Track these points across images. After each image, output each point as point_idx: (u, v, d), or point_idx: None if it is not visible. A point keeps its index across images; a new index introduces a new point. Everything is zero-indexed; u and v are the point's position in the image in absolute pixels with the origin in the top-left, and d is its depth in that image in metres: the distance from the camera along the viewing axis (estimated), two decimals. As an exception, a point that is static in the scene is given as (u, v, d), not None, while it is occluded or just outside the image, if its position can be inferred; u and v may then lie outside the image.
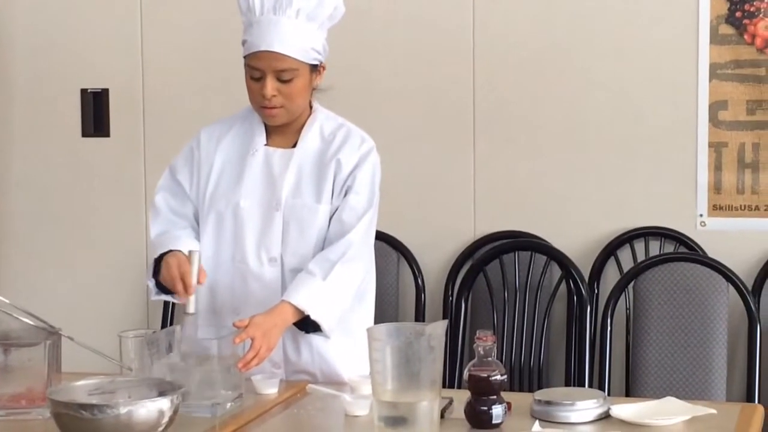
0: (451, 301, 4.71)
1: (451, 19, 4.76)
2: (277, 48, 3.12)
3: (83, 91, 5.08)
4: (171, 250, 3.17)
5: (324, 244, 3.22)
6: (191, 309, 3.03)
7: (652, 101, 4.62)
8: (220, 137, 3.32)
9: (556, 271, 4.60)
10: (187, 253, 3.12)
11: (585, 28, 4.66)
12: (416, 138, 4.81)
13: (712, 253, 4.48)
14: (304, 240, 3.22)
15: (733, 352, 4.43)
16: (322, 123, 3.29)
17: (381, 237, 4.80)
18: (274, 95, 3.15)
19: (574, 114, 4.69)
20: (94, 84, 5.07)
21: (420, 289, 4.80)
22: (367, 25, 4.81)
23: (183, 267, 3.08)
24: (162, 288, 3.20)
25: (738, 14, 4.53)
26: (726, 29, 4.55)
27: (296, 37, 3.14)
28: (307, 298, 3.11)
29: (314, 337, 3.21)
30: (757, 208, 4.56)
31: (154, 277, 3.22)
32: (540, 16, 4.69)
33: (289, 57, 3.13)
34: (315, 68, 3.22)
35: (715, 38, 4.55)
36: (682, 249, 4.58)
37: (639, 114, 4.63)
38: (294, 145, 3.26)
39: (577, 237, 4.70)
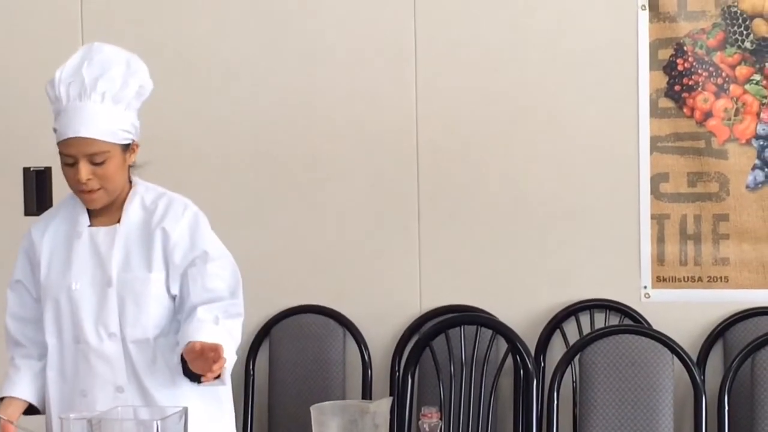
0: (398, 376, 4.69)
1: (395, 91, 4.78)
2: (84, 133, 3.19)
3: (26, 170, 5.05)
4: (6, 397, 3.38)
5: (184, 313, 3.27)
6: None
7: (594, 174, 4.65)
8: (46, 227, 3.41)
9: (502, 345, 4.59)
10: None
11: (526, 102, 4.69)
12: (361, 212, 4.81)
13: (656, 325, 4.50)
14: (142, 310, 3.27)
15: (680, 424, 4.42)
16: (142, 195, 3.37)
17: (326, 312, 4.80)
18: (89, 179, 3.22)
19: (517, 188, 4.71)
20: (37, 162, 5.03)
21: (366, 365, 4.78)
22: (311, 100, 4.83)
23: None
24: None
25: (677, 88, 4.59)
26: (666, 103, 4.60)
27: (103, 121, 3.21)
28: (210, 337, 3.13)
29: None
30: (700, 279, 4.59)
31: None
32: (482, 90, 4.72)
33: (98, 140, 3.21)
34: (127, 147, 3.29)
35: (655, 111, 4.60)
36: (627, 321, 4.59)
37: (581, 187, 4.66)
38: (118, 221, 3.32)
39: (522, 310, 4.70)
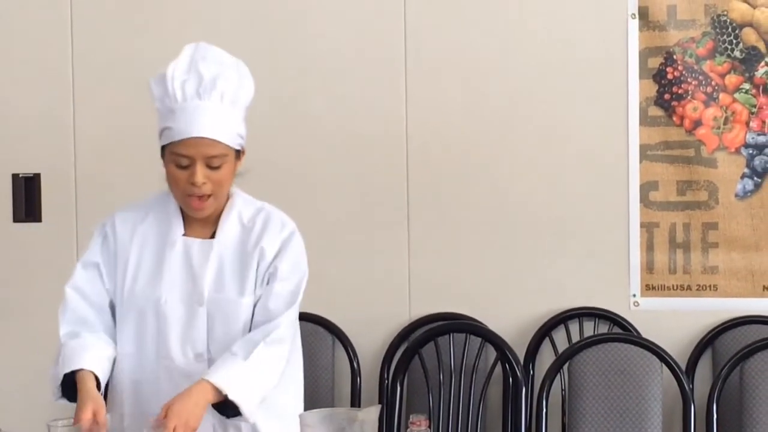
0: (387, 384, 4.68)
1: (385, 100, 4.78)
2: (207, 134, 3.05)
3: (14, 176, 5.04)
4: (83, 369, 3.06)
5: (250, 330, 3.16)
6: None
7: (584, 182, 4.66)
8: (135, 225, 3.24)
9: (491, 353, 4.59)
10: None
11: (517, 110, 4.70)
12: (350, 220, 4.81)
13: (645, 333, 4.50)
14: (230, 334, 3.14)
15: (669, 433, 4.44)
16: (240, 209, 3.23)
17: (315, 320, 4.79)
18: (204, 183, 3.07)
19: (507, 196, 4.71)
20: (26, 169, 5.02)
21: (355, 373, 4.77)
22: (301, 108, 4.83)
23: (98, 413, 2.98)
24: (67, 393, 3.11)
25: (666, 96, 4.59)
26: (655, 111, 4.61)
27: (223, 122, 3.08)
28: (226, 377, 3.02)
29: (244, 423, 3.14)
30: (689, 287, 4.60)
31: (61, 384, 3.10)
32: (472, 98, 4.72)
33: (220, 142, 3.07)
34: (238, 153, 3.16)
35: (645, 120, 4.61)
36: (616, 329, 4.60)
37: (571, 195, 4.67)
38: (212, 235, 3.20)
39: (511, 318, 4.70)
